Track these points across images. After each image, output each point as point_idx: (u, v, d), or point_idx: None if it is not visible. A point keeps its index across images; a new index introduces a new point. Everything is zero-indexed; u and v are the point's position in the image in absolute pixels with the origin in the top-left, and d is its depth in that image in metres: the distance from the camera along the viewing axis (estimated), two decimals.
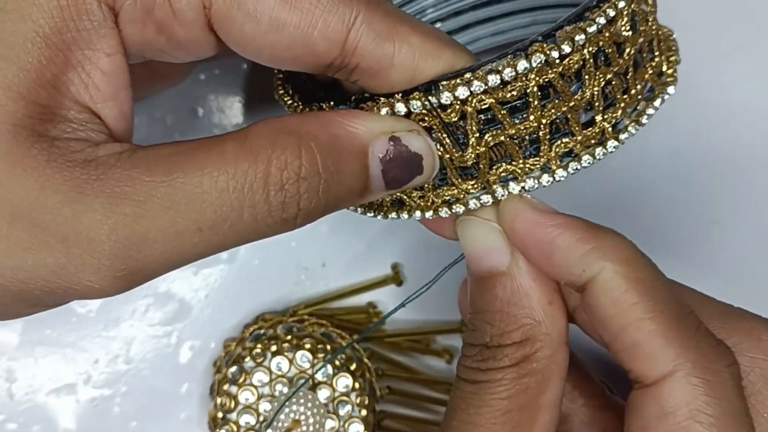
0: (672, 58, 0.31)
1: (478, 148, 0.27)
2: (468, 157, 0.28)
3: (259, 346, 0.40)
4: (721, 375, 0.26)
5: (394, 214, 0.30)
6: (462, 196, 0.29)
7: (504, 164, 0.28)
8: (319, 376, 0.39)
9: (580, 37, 0.27)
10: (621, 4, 0.28)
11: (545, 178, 0.28)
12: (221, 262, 0.42)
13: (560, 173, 0.28)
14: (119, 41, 0.26)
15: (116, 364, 0.41)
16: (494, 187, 0.28)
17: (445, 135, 0.27)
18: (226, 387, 0.39)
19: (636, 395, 0.27)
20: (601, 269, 0.27)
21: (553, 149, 0.28)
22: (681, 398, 0.25)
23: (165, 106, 0.41)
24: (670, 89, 0.30)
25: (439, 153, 0.28)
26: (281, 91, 0.31)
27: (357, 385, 0.39)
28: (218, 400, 0.39)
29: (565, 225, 0.28)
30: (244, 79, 0.42)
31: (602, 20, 0.27)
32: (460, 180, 0.28)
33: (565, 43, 0.27)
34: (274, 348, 0.39)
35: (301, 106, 0.30)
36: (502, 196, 0.28)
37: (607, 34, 0.28)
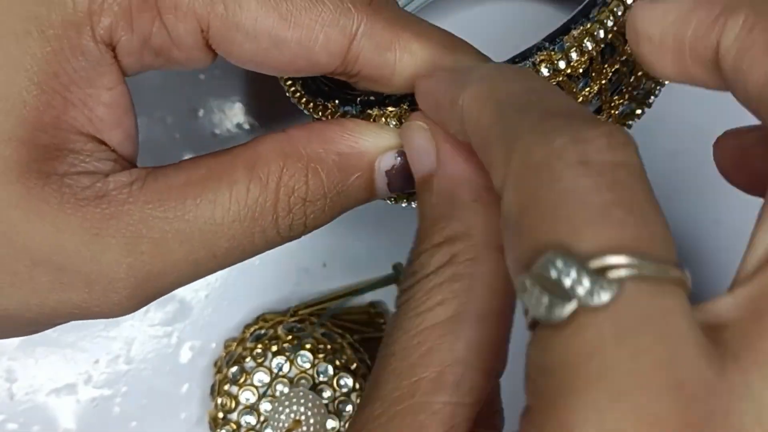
0: None
1: None
2: None
3: (259, 346, 0.40)
4: (536, 169, 0.19)
5: (404, 204, 0.30)
6: None
7: None
8: (320, 377, 0.39)
9: (588, 42, 0.26)
10: (629, 0, 0.27)
11: None
12: None
13: None
14: (118, 74, 0.26)
15: (116, 365, 0.41)
16: None
17: None
18: (226, 387, 0.39)
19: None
20: (462, 103, 0.23)
21: None
22: (506, 200, 0.20)
23: (165, 106, 0.41)
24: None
25: None
26: (289, 83, 0.31)
27: (358, 385, 0.39)
28: (219, 401, 0.39)
29: (438, 78, 0.26)
30: (244, 80, 0.42)
31: (610, 23, 0.27)
32: None
33: (573, 50, 0.26)
34: (274, 348, 0.39)
35: (305, 98, 0.30)
36: None
37: (615, 28, 0.27)
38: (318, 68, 0.27)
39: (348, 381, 0.39)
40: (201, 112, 0.41)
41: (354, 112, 0.28)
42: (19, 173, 0.25)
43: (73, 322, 0.41)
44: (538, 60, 0.26)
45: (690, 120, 0.42)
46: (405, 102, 0.27)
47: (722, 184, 0.42)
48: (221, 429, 0.39)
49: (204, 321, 0.42)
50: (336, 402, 0.39)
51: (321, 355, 0.39)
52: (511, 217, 0.19)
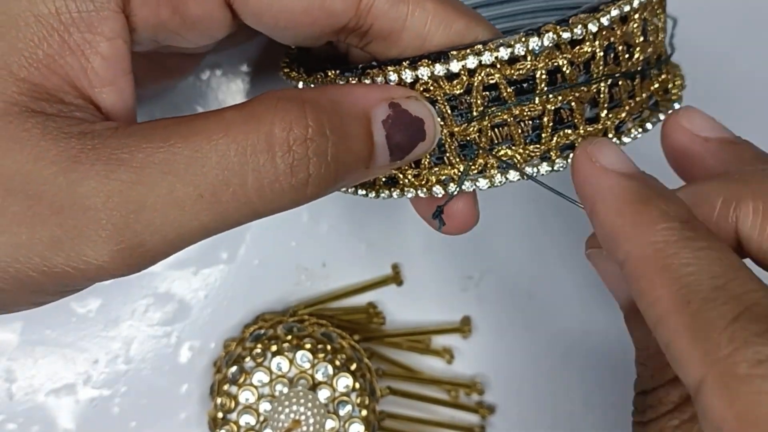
0: (678, 82, 0.31)
1: (481, 122, 0.27)
2: (471, 130, 0.28)
3: (259, 346, 0.40)
4: (749, 382, 0.20)
5: (386, 193, 0.30)
6: (458, 176, 0.28)
7: (504, 147, 0.28)
8: (319, 377, 0.39)
9: (592, 25, 0.27)
10: (635, 4, 0.28)
11: (544, 167, 0.28)
12: (221, 262, 0.42)
13: (560, 163, 0.28)
14: (122, 25, 0.26)
15: (116, 365, 0.41)
16: (492, 171, 0.28)
17: (448, 107, 0.27)
18: (226, 387, 0.39)
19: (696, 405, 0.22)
20: (626, 254, 0.23)
21: (555, 139, 0.28)
22: (722, 407, 0.20)
23: (165, 106, 0.41)
24: (675, 105, 0.31)
25: (440, 126, 0.28)
26: (286, 69, 0.31)
27: (357, 385, 0.39)
28: (218, 401, 0.39)
29: (608, 189, 0.24)
30: (245, 80, 0.42)
31: (616, 12, 0.28)
32: (458, 160, 0.28)
33: (578, 26, 0.27)
34: (274, 348, 0.39)
35: (304, 76, 0.30)
36: (500, 182, 0.28)
37: (619, 32, 0.28)
38: (333, 17, 0.27)
39: (347, 381, 0.39)
40: (199, 109, 0.41)
41: (354, 74, 0.28)
42: (3, 101, 0.24)
43: (72, 322, 0.41)
44: (543, 30, 0.27)
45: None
46: (405, 60, 0.27)
47: None
48: (221, 429, 0.39)
49: (203, 321, 0.42)
50: (335, 402, 0.39)
51: (320, 355, 0.39)
52: (725, 425, 0.20)
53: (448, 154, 0.28)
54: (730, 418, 0.19)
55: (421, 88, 0.27)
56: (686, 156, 0.29)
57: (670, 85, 0.31)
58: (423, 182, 0.29)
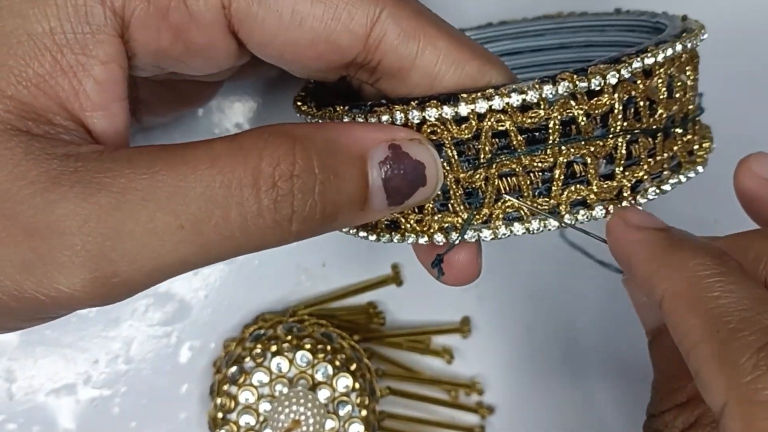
0: (706, 144, 0.30)
1: (488, 170, 0.26)
2: (477, 178, 0.26)
3: (259, 346, 0.40)
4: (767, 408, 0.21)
5: (387, 236, 0.28)
6: (461, 225, 0.27)
7: (511, 199, 0.27)
8: (319, 377, 0.39)
9: (612, 76, 0.26)
10: (660, 58, 0.27)
11: (552, 222, 0.27)
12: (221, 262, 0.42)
13: (569, 219, 0.27)
14: (118, 50, 0.25)
15: (116, 365, 0.41)
16: (497, 223, 0.27)
17: (455, 152, 0.26)
18: (226, 387, 0.39)
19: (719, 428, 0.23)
20: (663, 292, 0.24)
21: (566, 193, 0.27)
22: (741, 430, 0.21)
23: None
24: (699, 168, 0.29)
25: (445, 172, 0.27)
26: (299, 102, 0.30)
27: (357, 386, 0.39)
28: (218, 401, 0.39)
29: (641, 242, 0.25)
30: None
31: (638, 65, 0.26)
32: (462, 208, 0.27)
33: (596, 77, 0.25)
34: (274, 348, 0.39)
35: (314, 110, 0.29)
36: (503, 235, 0.27)
37: (641, 86, 0.27)
38: (340, 52, 0.26)
39: (347, 381, 0.39)
40: (201, 112, 0.41)
41: (362, 111, 0.27)
42: None
43: (72, 322, 0.41)
44: (559, 78, 0.25)
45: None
46: (414, 99, 0.26)
47: (722, 184, 0.42)
48: (220, 429, 0.39)
49: (203, 321, 0.42)
50: (335, 402, 0.39)
51: (320, 356, 0.39)
52: None
53: (452, 201, 0.27)
54: None
55: (428, 130, 0.26)
56: (757, 200, 0.29)
57: (696, 146, 0.30)
58: (425, 228, 0.28)
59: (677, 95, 0.28)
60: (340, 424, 0.39)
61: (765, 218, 0.29)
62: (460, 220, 0.27)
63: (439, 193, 0.27)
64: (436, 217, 0.27)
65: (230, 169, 0.24)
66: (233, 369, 0.39)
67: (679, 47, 0.28)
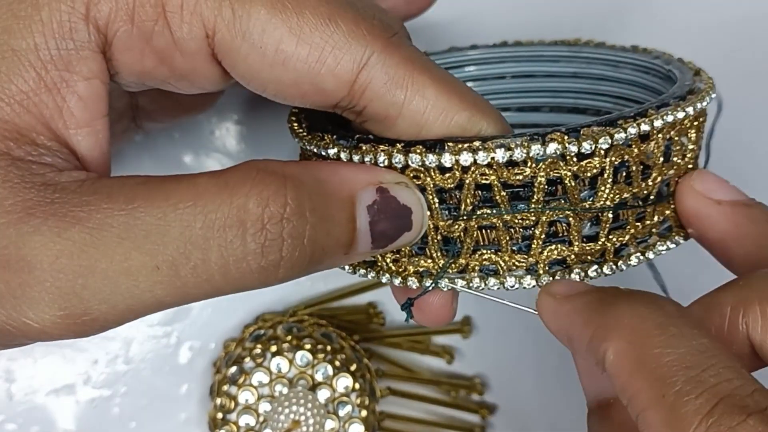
0: None
1: (468, 222, 0.26)
2: (455, 228, 0.26)
3: (258, 346, 0.40)
4: None
5: (362, 271, 0.28)
6: (436, 272, 0.27)
7: (489, 252, 0.26)
8: (318, 377, 0.39)
9: (604, 141, 0.25)
10: (657, 124, 0.26)
11: (528, 280, 0.26)
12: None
13: (546, 279, 0.26)
14: (101, 66, 0.24)
15: (116, 365, 0.41)
16: (472, 274, 0.26)
17: (436, 199, 0.26)
18: (225, 387, 0.39)
19: None
20: (604, 352, 0.22)
21: (545, 252, 0.26)
22: None
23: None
24: (681, 241, 0.28)
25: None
26: (293, 119, 0.30)
27: (357, 386, 0.39)
28: (218, 401, 0.39)
29: (574, 310, 0.24)
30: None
31: (633, 131, 0.25)
32: (439, 254, 0.26)
33: (588, 141, 0.25)
34: (273, 348, 0.39)
35: (305, 133, 0.28)
36: (477, 288, 0.26)
37: (636, 151, 0.26)
38: (323, 95, 0.25)
39: (347, 381, 0.39)
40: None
41: (347, 145, 0.26)
42: None
43: None
44: (548, 138, 0.24)
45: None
46: (400, 142, 0.25)
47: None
48: (220, 429, 0.39)
49: (203, 321, 0.42)
50: (335, 402, 0.39)
51: (320, 356, 0.39)
52: None
53: (430, 246, 0.26)
54: None
55: (411, 174, 0.26)
56: (700, 219, 0.28)
57: None
58: (400, 269, 0.27)
59: (675, 159, 0.27)
60: (340, 425, 0.39)
61: (707, 238, 0.28)
62: (435, 266, 0.27)
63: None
64: (412, 260, 0.27)
65: (214, 208, 0.23)
66: (233, 369, 0.39)
67: (680, 114, 0.26)
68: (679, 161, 0.28)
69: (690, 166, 0.29)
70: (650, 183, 0.27)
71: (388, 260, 0.27)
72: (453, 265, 0.26)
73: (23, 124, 0.24)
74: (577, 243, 0.26)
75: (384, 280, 0.28)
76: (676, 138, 0.27)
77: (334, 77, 0.25)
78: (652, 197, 0.27)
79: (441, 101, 0.25)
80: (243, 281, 0.24)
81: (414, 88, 0.25)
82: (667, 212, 0.28)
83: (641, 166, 0.26)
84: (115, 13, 0.24)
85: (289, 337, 0.40)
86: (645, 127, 0.25)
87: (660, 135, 0.26)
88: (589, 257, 0.26)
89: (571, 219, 0.26)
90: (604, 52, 0.36)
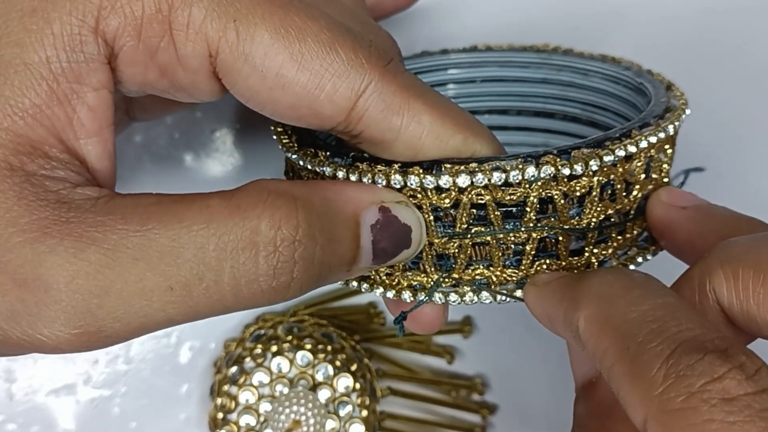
0: None
1: (462, 240, 0.26)
2: (450, 245, 0.27)
3: (259, 346, 0.40)
4: (682, 417, 0.20)
5: (355, 284, 0.29)
6: (430, 285, 0.27)
7: (481, 267, 0.27)
8: (319, 377, 0.39)
9: (594, 163, 0.26)
10: (642, 145, 0.27)
11: (518, 293, 0.27)
12: None
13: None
14: (108, 77, 0.25)
15: (116, 365, 0.41)
16: (465, 288, 0.27)
17: (432, 217, 0.26)
18: (226, 387, 0.39)
19: None
20: (577, 323, 0.23)
21: (535, 266, 0.27)
22: None
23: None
24: (653, 255, 0.30)
25: None
26: (279, 129, 0.30)
27: (357, 386, 0.39)
28: (218, 401, 0.39)
29: (550, 292, 0.25)
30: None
31: (621, 153, 0.26)
32: (433, 269, 0.27)
33: (579, 163, 0.26)
34: (274, 348, 0.39)
35: (296, 147, 0.29)
36: (471, 301, 0.27)
37: (620, 170, 0.27)
38: (320, 119, 0.26)
39: (347, 381, 0.39)
40: (199, 113, 0.41)
41: (343, 164, 0.27)
42: None
43: None
44: (543, 161, 0.25)
45: (689, 120, 0.42)
46: (397, 163, 0.26)
47: (722, 184, 0.42)
48: (221, 429, 0.39)
49: (203, 321, 0.41)
50: (335, 402, 0.39)
51: (320, 356, 0.39)
52: None
53: (424, 261, 0.27)
54: None
55: (408, 194, 0.26)
56: (668, 225, 0.29)
57: None
58: (394, 283, 0.28)
59: (654, 176, 0.29)
60: (340, 425, 0.39)
61: (676, 241, 0.29)
62: (429, 281, 0.27)
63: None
64: (405, 274, 0.28)
65: (226, 230, 0.23)
66: (233, 369, 0.39)
67: (662, 135, 0.28)
68: (656, 177, 0.29)
69: (665, 180, 0.30)
70: (631, 198, 0.28)
71: (382, 274, 0.28)
72: (446, 280, 0.27)
73: (36, 137, 0.24)
74: (564, 257, 0.27)
75: (378, 293, 0.28)
76: (656, 155, 0.28)
77: (332, 103, 0.25)
78: (632, 212, 0.28)
79: (436, 126, 0.26)
80: (253, 300, 0.24)
81: (410, 114, 0.26)
82: (645, 225, 0.29)
83: (625, 184, 0.27)
84: (123, 27, 0.24)
85: (289, 337, 0.40)
86: (632, 149, 0.27)
87: (642, 154, 0.28)
88: (575, 270, 0.27)
89: (560, 236, 0.27)
90: (574, 59, 0.37)
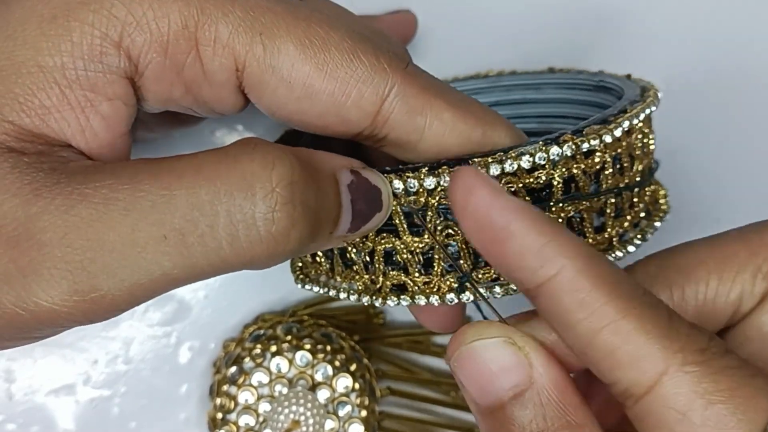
0: (662, 192, 0.32)
1: None
2: None
3: (258, 346, 0.40)
4: (708, 352, 0.22)
5: (394, 299, 0.28)
6: (472, 284, 0.27)
7: None
8: (318, 377, 0.39)
9: (606, 136, 0.27)
10: (640, 117, 0.29)
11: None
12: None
13: None
14: (125, 91, 0.25)
15: (115, 365, 0.41)
16: (494, 285, 0.27)
17: None
18: (225, 387, 0.39)
19: (639, 410, 0.22)
20: (561, 267, 0.22)
21: None
22: (690, 391, 0.21)
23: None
24: (667, 216, 0.31)
25: (453, 233, 0.27)
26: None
27: (357, 386, 0.39)
28: (218, 401, 0.39)
29: (522, 211, 0.22)
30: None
31: (626, 124, 0.28)
32: (469, 262, 0.27)
33: (593, 137, 0.27)
34: (273, 348, 0.39)
35: None
36: (515, 291, 0.27)
37: (624, 143, 0.28)
38: (347, 126, 0.26)
39: (347, 381, 0.39)
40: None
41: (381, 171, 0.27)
42: None
43: None
44: (562, 140, 0.26)
45: (689, 121, 0.42)
46: (424, 166, 0.26)
47: (721, 184, 0.42)
48: (220, 429, 0.39)
49: (203, 321, 0.42)
50: (335, 402, 0.39)
51: (320, 356, 0.39)
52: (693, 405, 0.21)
53: (462, 261, 0.27)
54: (698, 399, 0.21)
55: (439, 195, 0.26)
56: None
57: (659, 195, 0.32)
58: (434, 289, 0.28)
59: (645, 150, 0.30)
60: (339, 425, 0.39)
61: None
62: (467, 267, 0.27)
63: (447, 255, 0.27)
64: (444, 278, 0.28)
65: (218, 174, 0.23)
66: (233, 369, 0.39)
67: (653, 107, 0.30)
68: (648, 152, 0.31)
69: (650, 158, 0.32)
70: (635, 170, 0.29)
71: (420, 283, 0.28)
72: (487, 275, 0.27)
73: (45, 138, 0.24)
74: (590, 235, 0.28)
75: (421, 302, 0.28)
76: (646, 131, 0.30)
77: (359, 109, 0.26)
78: (636, 186, 0.30)
79: (458, 123, 0.27)
80: (250, 252, 0.23)
81: (432, 113, 0.27)
82: (646, 198, 0.31)
83: (629, 158, 0.29)
84: (149, 44, 0.25)
85: (288, 337, 0.40)
86: (635, 121, 0.28)
87: (637, 128, 0.29)
88: (601, 246, 0.28)
89: (584, 213, 0.28)
90: (523, 78, 0.38)
